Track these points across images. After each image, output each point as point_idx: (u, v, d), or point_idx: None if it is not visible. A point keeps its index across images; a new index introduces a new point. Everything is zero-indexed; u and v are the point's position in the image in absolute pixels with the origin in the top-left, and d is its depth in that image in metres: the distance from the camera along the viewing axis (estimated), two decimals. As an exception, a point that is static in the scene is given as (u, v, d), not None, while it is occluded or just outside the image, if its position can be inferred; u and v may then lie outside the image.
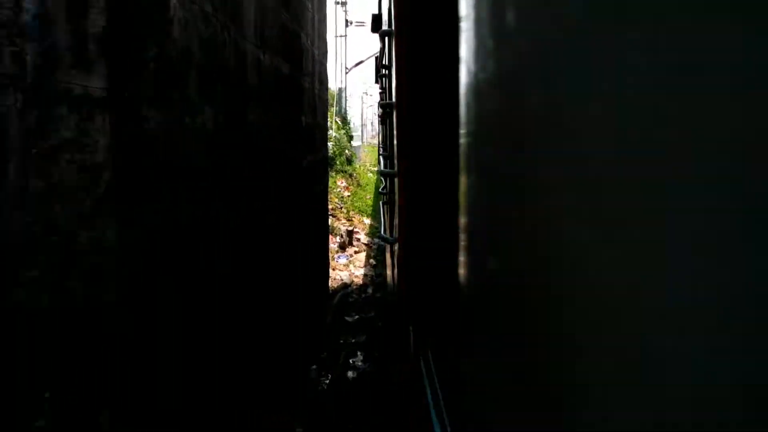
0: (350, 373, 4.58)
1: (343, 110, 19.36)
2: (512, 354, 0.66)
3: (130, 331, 1.44)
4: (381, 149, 5.66)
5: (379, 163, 7.03)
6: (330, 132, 13.90)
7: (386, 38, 3.29)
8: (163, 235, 1.65)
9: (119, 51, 1.32)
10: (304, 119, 4.46)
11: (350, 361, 4.81)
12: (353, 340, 5.29)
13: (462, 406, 1.13)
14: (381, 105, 4.30)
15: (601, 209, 0.40)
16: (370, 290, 6.83)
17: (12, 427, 1.20)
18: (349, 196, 11.85)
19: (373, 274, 7.49)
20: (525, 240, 0.59)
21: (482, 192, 0.86)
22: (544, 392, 0.53)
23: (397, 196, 2.07)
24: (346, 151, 14.88)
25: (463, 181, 1.05)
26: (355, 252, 8.62)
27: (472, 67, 0.88)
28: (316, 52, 5.35)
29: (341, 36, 20.24)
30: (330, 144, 13.09)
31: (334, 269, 7.59)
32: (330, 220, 9.26)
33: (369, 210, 11.40)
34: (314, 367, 4.62)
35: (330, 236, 8.61)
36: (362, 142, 26.67)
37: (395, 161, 2.19)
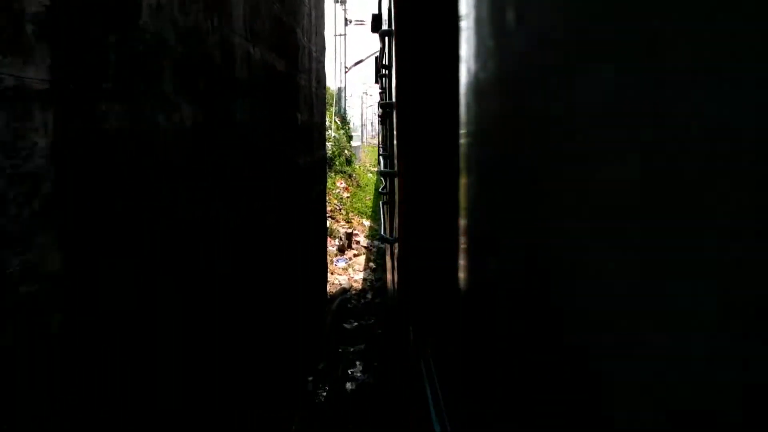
0: (349, 385, 4.37)
1: (342, 110, 19.17)
2: (512, 354, 0.66)
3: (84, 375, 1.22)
4: (381, 149, 5.75)
5: (379, 163, 6.97)
6: (329, 132, 13.70)
7: (386, 38, 3.29)
8: (128, 253, 1.43)
9: (68, 35, 1.11)
10: (300, 118, 4.25)
11: (349, 371, 4.61)
12: (352, 349, 5.09)
13: (462, 406, 1.14)
14: (381, 105, 4.30)
15: (602, 209, 0.40)
16: (369, 295, 6.62)
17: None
18: (348, 197, 11.63)
19: (373, 278, 7.27)
20: (524, 240, 0.59)
21: (482, 192, 0.85)
22: (544, 392, 0.53)
23: (397, 196, 2.07)
24: (346, 152, 14.67)
25: (463, 181, 1.02)
26: (354, 255, 8.40)
27: (472, 67, 0.87)
28: (314, 48, 5.14)
29: (340, 35, 20.03)
30: (329, 144, 12.89)
31: (332, 273, 7.37)
32: (329, 222, 9.05)
33: (368, 211, 11.18)
34: (311, 378, 4.43)
35: (329, 239, 8.40)
36: (362, 142, 26.54)
37: (395, 161, 2.18)
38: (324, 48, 5.97)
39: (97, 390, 1.31)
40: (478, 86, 0.85)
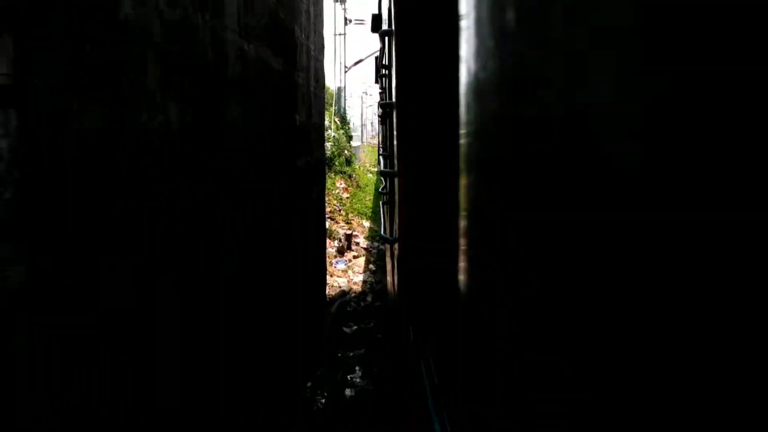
0: (348, 392, 4.27)
1: (342, 110, 19.05)
2: (512, 353, 0.66)
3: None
4: (381, 149, 5.76)
5: (379, 163, 6.91)
6: (328, 132, 13.60)
7: (386, 38, 3.27)
8: (105, 265, 1.33)
9: (36, 26, 1.01)
10: (298, 118, 4.14)
11: (348, 377, 4.50)
12: (351, 354, 4.98)
13: (462, 406, 1.13)
14: (381, 105, 4.25)
15: (602, 209, 0.40)
16: (369, 298, 6.51)
17: None
18: (348, 197, 11.51)
19: (373, 280, 7.17)
20: (524, 240, 0.60)
21: (482, 192, 0.85)
22: (544, 392, 0.52)
23: (397, 196, 2.06)
24: (345, 152, 14.56)
25: (462, 181, 1.02)
26: (354, 257, 8.29)
27: (472, 67, 0.87)
28: (312, 47, 5.04)
29: (340, 34, 19.92)
30: (328, 144, 12.79)
31: (331, 275, 7.27)
32: (328, 224, 8.95)
33: (368, 212, 11.07)
34: (309, 384, 4.33)
35: (328, 240, 8.30)
36: (362, 143, 26.44)
37: (395, 161, 2.17)
38: (323, 46, 5.87)
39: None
40: (477, 86, 0.85)
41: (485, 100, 0.80)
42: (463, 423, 1.13)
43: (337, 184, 12.03)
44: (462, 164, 1.06)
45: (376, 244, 8.97)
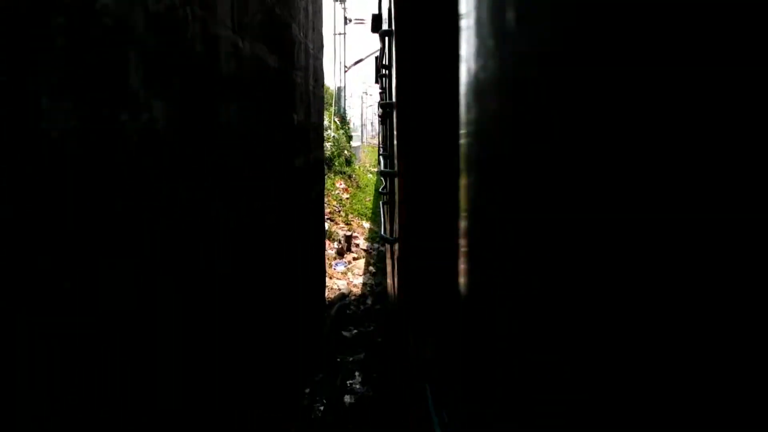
0: (347, 398, 4.16)
1: (342, 110, 18.95)
2: (513, 353, 0.65)
3: None
4: (381, 149, 5.98)
5: (379, 163, 6.88)
6: (328, 132, 13.50)
7: (386, 38, 3.25)
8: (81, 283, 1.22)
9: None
10: (296, 117, 4.04)
11: (347, 383, 4.40)
12: (351, 359, 4.88)
13: (462, 406, 1.13)
14: (381, 105, 4.24)
15: (602, 210, 0.40)
16: (369, 301, 6.41)
17: None
18: (348, 198, 11.40)
19: (373, 283, 7.06)
20: (524, 240, 0.58)
21: (482, 192, 0.85)
22: (544, 392, 0.52)
23: (397, 196, 2.06)
24: (345, 152, 14.45)
25: (463, 181, 1.05)
26: (354, 258, 8.18)
27: (473, 67, 0.88)
28: (311, 45, 4.93)
29: (340, 34, 19.81)
30: (328, 144, 12.68)
31: (331, 277, 7.17)
32: (327, 225, 8.84)
33: (368, 213, 10.96)
34: (308, 390, 4.23)
35: (327, 242, 8.19)
36: (362, 143, 26.36)
37: (395, 161, 2.18)
38: (322, 45, 5.76)
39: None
40: (478, 86, 0.85)
41: (485, 100, 0.80)
42: (463, 423, 1.13)
43: (337, 185, 11.93)
44: (462, 164, 1.06)
45: (376, 245, 8.86)
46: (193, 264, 1.95)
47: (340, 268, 7.55)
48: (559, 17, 0.47)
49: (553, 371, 0.50)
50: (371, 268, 7.70)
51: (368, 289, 6.85)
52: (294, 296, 4.15)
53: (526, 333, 0.59)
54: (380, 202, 4.23)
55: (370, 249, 8.72)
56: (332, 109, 16.23)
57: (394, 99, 2.24)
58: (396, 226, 2.29)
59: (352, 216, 10.39)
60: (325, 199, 9.77)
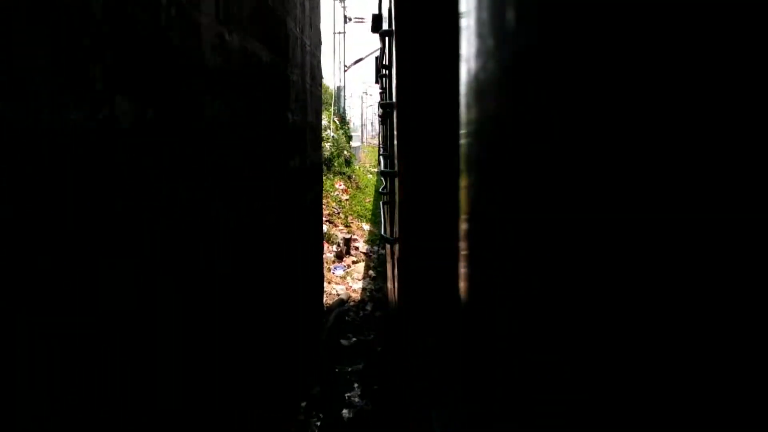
0: (345, 413, 3.95)
1: (341, 110, 18.74)
2: (514, 354, 0.63)
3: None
4: (381, 149, 6.08)
5: (379, 163, 6.73)
6: (328, 132, 13.29)
7: (386, 38, 3.26)
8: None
9: None
10: (291, 117, 3.83)
11: (346, 396, 4.19)
12: (349, 369, 4.67)
13: (462, 406, 1.12)
14: (381, 105, 4.21)
15: (603, 210, 0.40)
16: (368, 307, 6.20)
17: None
18: (347, 199, 11.19)
19: (373, 287, 6.85)
20: (524, 240, 0.58)
21: (482, 192, 0.82)
22: (544, 392, 0.52)
23: (397, 196, 2.10)
24: (345, 152, 14.24)
25: (463, 181, 1.05)
26: (353, 262, 7.97)
27: (473, 67, 0.85)
28: (307, 41, 4.73)
29: (340, 33, 19.61)
30: (327, 144, 12.47)
31: (329, 282, 6.96)
32: (326, 227, 8.63)
33: (368, 214, 10.75)
34: (304, 404, 4.02)
35: (326, 245, 7.98)
36: (362, 143, 26.17)
37: (395, 161, 2.18)
38: (320, 42, 5.55)
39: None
40: (478, 86, 0.84)
41: (485, 100, 0.78)
42: (463, 423, 1.12)
43: (336, 186, 11.71)
44: (462, 164, 1.03)
45: (376, 248, 8.65)
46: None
47: (339, 272, 7.34)
48: (560, 17, 0.45)
49: (553, 371, 0.50)
50: (371, 272, 7.49)
51: (368, 294, 6.64)
52: (294, 300, 3.96)
53: (526, 333, 0.59)
54: (380, 203, 4.13)
55: (370, 252, 8.51)
56: (332, 108, 16.03)
57: (394, 99, 2.24)
58: (396, 227, 2.30)
59: (351, 218, 10.18)
60: (324, 201, 9.56)
